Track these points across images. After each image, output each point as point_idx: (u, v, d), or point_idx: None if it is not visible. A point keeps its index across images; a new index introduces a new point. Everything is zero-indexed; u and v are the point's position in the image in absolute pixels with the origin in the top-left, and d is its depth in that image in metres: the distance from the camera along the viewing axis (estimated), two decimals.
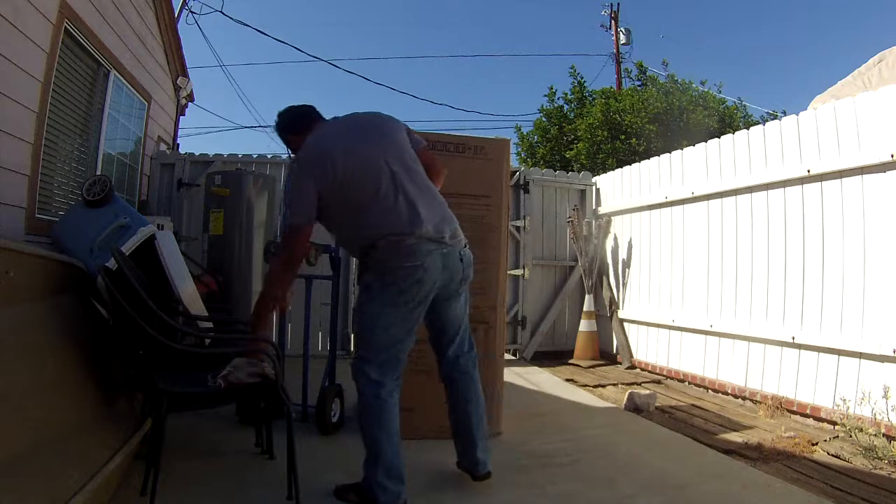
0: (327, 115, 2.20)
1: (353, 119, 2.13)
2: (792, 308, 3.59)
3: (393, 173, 1.98)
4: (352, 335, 2.14)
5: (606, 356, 5.50)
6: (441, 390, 2.80)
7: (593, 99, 10.37)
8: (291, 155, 2.20)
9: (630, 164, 5.52)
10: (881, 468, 2.60)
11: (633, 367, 5.16)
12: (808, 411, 3.38)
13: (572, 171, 8.10)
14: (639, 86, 11.17)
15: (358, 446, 2.10)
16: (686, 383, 4.47)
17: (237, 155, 5.30)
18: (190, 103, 6.85)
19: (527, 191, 5.61)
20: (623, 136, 8.90)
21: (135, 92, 4.80)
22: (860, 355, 3.12)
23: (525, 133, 11.12)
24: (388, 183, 1.97)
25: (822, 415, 3.27)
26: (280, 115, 2.22)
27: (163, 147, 5.75)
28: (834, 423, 3.19)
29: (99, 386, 2.13)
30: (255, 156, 5.38)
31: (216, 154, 5.27)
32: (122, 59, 4.35)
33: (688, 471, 2.45)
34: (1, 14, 2.75)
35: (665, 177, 4.90)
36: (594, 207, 5.85)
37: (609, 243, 5.65)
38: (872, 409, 2.95)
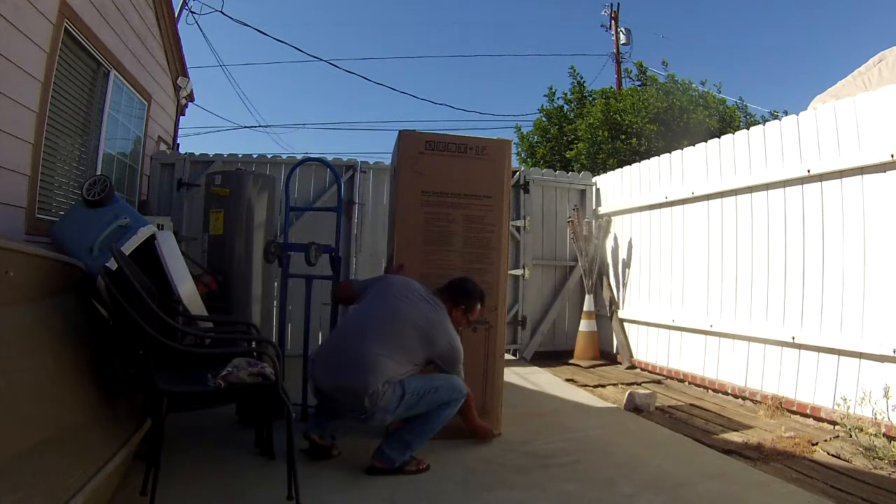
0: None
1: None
2: (792, 308, 3.59)
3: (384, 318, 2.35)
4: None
5: (606, 356, 5.50)
6: None
7: (593, 99, 10.37)
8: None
9: (630, 164, 5.53)
10: (881, 468, 2.60)
11: (633, 367, 5.16)
12: (808, 411, 3.38)
13: (572, 171, 8.09)
14: (639, 86, 11.16)
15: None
16: (686, 383, 4.47)
17: (237, 155, 5.31)
18: (190, 103, 6.84)
19: (527, 191, 5.61)
20: (623, 136, 8.90)
21: (135, 92, 4.80)
22: (860, 355, 3.12)
23: (525, 133, 11.13)
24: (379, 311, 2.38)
25: (822, 415, 3.27)
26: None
27: (163, 147, 5.75)
28: (834, 423, 3.19)
29: (99, 386, 2.12)
30: (255, 156, 5.38)
31: (216, 154, 5.27)
32: (122, 59, 4.34)
33: (688, 471, 2.45)
34: (1, 14, 2.75)
35: (665, 177, 4.90)
36: (594, 207, 5.85)
37: (609, 243, 5.65)
38: (873, 409, 2.95)
